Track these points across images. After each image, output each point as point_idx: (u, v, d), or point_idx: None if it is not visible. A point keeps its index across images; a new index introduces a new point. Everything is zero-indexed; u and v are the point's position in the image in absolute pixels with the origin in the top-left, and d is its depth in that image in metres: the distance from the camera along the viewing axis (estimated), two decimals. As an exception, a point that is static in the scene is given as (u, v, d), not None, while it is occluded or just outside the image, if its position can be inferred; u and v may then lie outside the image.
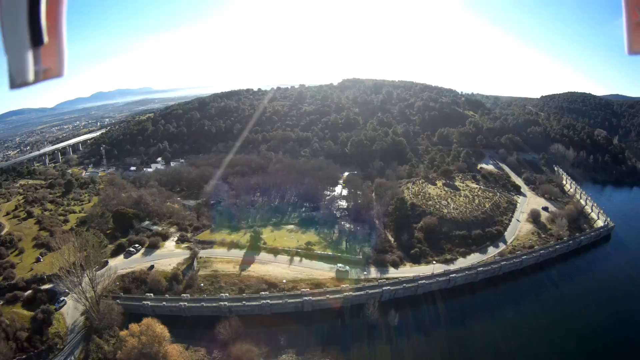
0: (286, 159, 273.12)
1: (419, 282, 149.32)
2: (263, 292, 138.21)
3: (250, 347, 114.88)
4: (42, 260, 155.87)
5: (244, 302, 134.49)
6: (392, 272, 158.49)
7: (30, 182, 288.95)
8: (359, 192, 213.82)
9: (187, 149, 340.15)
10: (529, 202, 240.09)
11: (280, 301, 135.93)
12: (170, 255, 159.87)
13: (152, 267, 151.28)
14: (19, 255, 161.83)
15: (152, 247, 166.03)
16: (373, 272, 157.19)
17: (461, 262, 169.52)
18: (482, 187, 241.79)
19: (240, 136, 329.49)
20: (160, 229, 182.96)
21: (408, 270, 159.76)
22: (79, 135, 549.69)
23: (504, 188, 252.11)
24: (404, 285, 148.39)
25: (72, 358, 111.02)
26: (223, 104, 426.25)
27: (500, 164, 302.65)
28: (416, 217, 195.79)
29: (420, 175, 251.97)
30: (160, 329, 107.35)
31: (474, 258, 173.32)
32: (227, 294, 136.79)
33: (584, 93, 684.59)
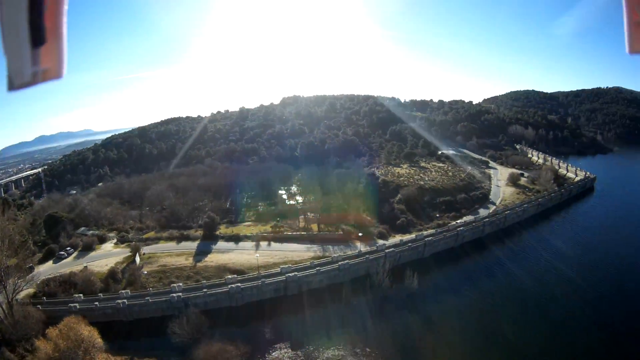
0: (234, 165, 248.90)
1: (426, 239, 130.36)
2: (229, 276, 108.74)
3: (224, 346, 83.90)
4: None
5: (204, 290, 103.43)
6: (382, 243, 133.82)
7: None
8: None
9: (128, 172, 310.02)
10: (502, 172, 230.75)
11: (256, 283, 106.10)
12: (107, 256, 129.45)
13: (85, 268, 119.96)
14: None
15: (87, 249, 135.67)
16: (360, 247, 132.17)
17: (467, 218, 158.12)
18: (449, 165, 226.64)
19: (183, 153, 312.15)
20: (97, 232, 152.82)
21: (398, 241, 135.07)
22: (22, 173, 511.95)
23: (472, 164, 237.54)
24: (409, 245, 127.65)
25: (-26, 384, 78.12)
26: (163, 128, 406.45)
27: (461, 149, 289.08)
28: (390, 192, 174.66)
29: (382, 162, 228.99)
30: (88, 332, 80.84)
31: (467, 219, 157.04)
32: (180, 284, 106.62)
33: (527, 90, 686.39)
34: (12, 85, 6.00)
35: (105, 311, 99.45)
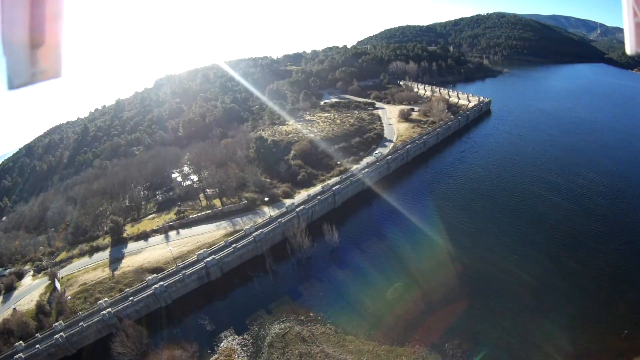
0: (121, 161, 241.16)
1: (334, 189, 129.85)
2: (149, 277, 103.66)
3: (172, 351, 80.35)
4: None
5: (130, 298, 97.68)
6: (290, 203, 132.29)
7: None
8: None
9: (26, 196, 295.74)
10: (390, 110, 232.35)
11: (178, 277, 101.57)
12: (29, 291, 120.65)
13: (14, 311, 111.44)
14: None
15: (9, 290, 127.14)
16: (269, 212, 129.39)
17: (366, 160, 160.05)
18: (335, 113, 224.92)
19: (71, 162, 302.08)
20: (13, 269, 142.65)
21: (305, 197, 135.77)
22: None
23: (358, 108, 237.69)
24: (319, 198, 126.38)
25: None
26: (47, 140, 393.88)
27: (343, 95, 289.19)
28: (283, 151, 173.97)
29: (267, 123, 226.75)
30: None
31: (368, 161, 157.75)
32: (106, 299, 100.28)
33: (402, 26, 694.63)
34: (12, 85, 6.03)
35: (49, 351, 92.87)
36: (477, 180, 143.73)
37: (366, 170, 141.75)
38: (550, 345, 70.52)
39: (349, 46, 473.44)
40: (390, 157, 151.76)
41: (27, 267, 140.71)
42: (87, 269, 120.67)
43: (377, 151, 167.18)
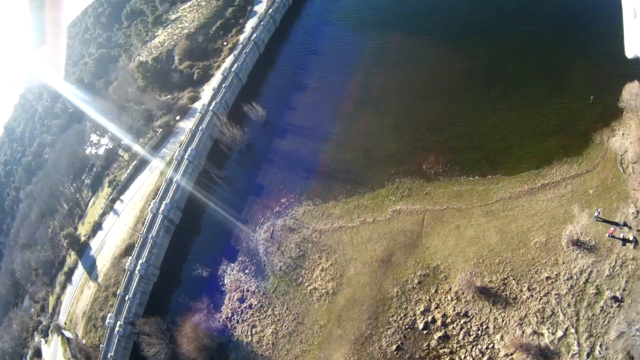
0: (39, 174, 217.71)
1: (233, 69, 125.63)
2: (127, 263, 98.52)
3: (192, 319, 79.20)
4: None
5: (127, 297, 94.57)
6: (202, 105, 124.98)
7: None
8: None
9: None
10: None
11: (150, 244, 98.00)
12: None
13: None
14: None
15: None
16: (186, 126, 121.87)
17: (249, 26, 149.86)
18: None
19: (3, 212, 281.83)
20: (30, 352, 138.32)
21: (211, 91, 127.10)
22: None
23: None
24: (224, 87, 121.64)
25: None
26: None
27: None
28: (167, 60, 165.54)
29: (139, 45, 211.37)
30: None
31: (252, 26, 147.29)
32: (109, 314, 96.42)
33: None
34: (14, 84, 6.17)
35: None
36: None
37: (255, 35, 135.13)
38: (524, 128, 70.48)
39: None
40: (271, 10, 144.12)
41: (36, 338, 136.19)
42: (76, 297, 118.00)
43: (245, 31, 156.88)
